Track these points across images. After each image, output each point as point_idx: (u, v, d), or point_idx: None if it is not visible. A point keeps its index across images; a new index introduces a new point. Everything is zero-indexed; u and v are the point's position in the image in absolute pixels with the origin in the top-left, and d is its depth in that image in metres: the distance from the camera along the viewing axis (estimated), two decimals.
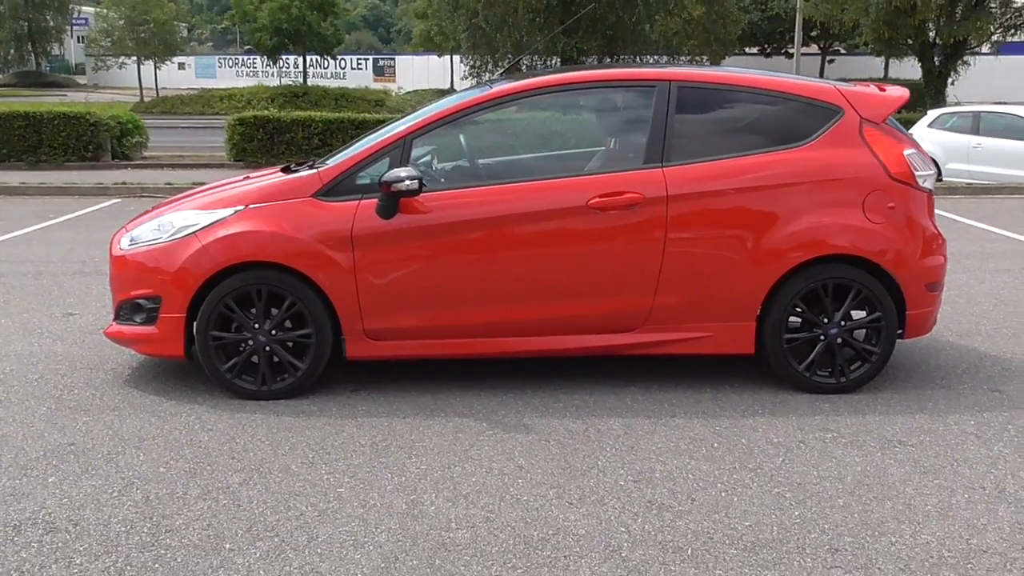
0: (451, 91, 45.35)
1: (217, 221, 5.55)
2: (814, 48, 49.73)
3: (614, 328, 5.63)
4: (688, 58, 27.27)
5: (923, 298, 5.71)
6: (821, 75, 42.32)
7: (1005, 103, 25.38)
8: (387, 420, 5.27)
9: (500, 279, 5.52)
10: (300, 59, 50.26)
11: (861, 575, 3.66)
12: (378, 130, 6.13)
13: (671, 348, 5.68)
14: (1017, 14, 26.06)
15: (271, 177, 5.92)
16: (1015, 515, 4.15)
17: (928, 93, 26.29)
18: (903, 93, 5.86)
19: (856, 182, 5.59)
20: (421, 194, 5.37)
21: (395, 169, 5.40)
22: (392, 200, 5.43)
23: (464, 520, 4.09)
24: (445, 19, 25.98)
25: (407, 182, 5.31)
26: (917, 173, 5.66)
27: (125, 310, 5.79)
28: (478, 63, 25.73)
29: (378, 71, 59.89)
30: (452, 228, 5.48)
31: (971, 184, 17.73)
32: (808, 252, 5.53)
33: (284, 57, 49.82)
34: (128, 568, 3.71)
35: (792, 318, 5.67)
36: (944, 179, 18.52)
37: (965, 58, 26.56)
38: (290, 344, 5.60)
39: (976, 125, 19.29)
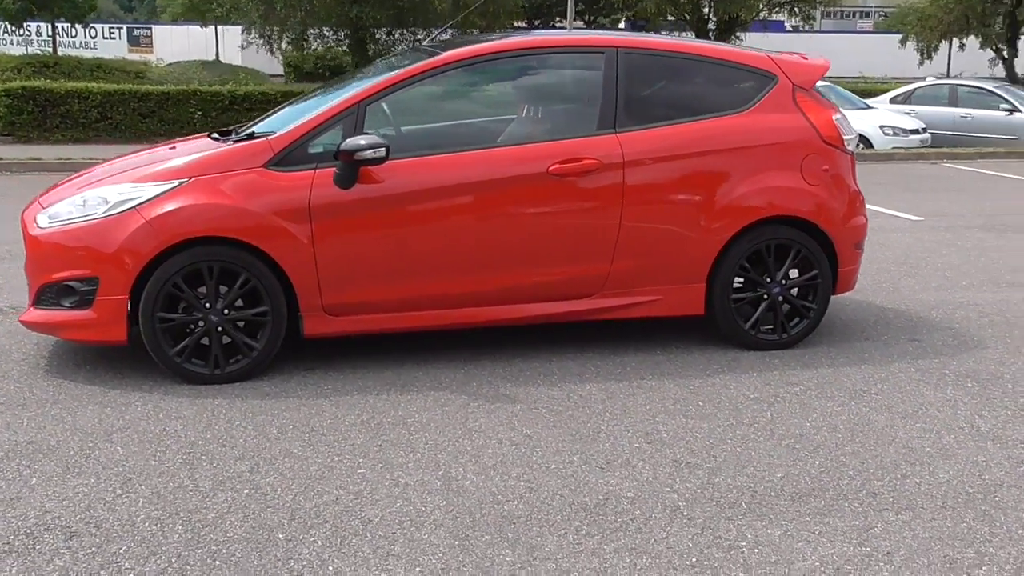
0: (218, 62, 43.77)
1: (161, 194, 5.17)
2: (579, 23, 51.01)
3: (572, 295, 5.65)
4: (478, 30, 27.33)
5: (852, 256, 6.04)
6: None
7: None
8: (362, 398, 5.09)
9: (461, 248, 5.43)
10: (47, 26, 46.90)
11: (911, 515, 3.87)
12: (305, 98, 5.88)
13: (626, 312, 5.76)
14: None
15: (211, 147, 5.55)
16: (1006, 451, 4.49)
17: None
18: (826, 62, 6.15)
19: (794, 146, 5.83)
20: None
21: (356, 136, 5.20)
22: (352, 169, 5.22)
23: (510, 492, 4.03)
24: None
25: (373, 150, 5.12)
26: (845, 137, 5.96)
27: (49, 294, 5.30)
28: (269, 33, 24.82)
29: (133, 41, 56.66)
30: (413, 197, 5.34)
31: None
32: (755, 214, 5.73)
33: (28, 24, 46.32)
34: (189, 568, 3.44)
35: (736, 278, 5.85)
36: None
37: (737, 34, 28.02)
38: (241, 324, 5.30)
39: (955, 98, 20.69)
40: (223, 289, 5.23)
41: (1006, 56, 30.10)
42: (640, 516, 3.84)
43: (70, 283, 5.21)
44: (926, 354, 5.89)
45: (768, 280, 5.84)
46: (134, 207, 5.15)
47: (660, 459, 4.37)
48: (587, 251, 5.57)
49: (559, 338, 6.00)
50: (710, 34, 27.75)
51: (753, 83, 5.88)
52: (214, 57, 46.94)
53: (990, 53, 30.55)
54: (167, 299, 5.17)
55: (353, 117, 5.34)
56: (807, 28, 33.43)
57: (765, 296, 5.86)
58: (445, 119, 5.86)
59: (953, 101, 20.80)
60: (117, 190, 5.25)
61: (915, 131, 18.90)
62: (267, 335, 5.29)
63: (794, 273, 5.96)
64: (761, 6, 27.23)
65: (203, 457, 4.36)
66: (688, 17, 27.75)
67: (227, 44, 48.44)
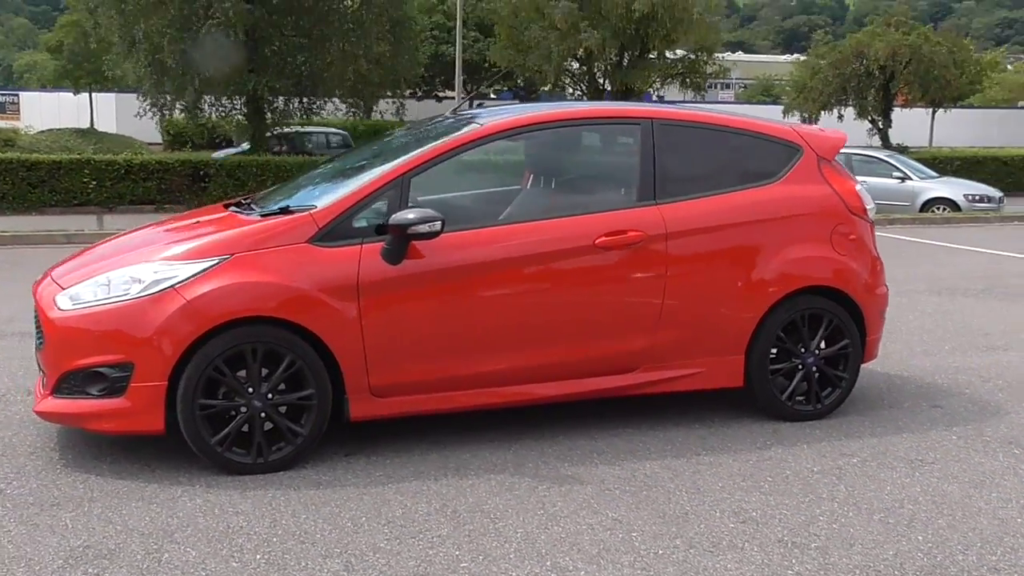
0: (92, 130, 42.43)
1: (200, 272, 4.87)
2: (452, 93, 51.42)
3: (617, 370, 5.53)
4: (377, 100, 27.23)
5: (878, 324, 6.10)
6: None
7: None
8: (421, 484, 4.84)
9: (510, 324, 5.26)
10: None
11: None
12: (319, 171, 5.69)
13: (669, 386, 5.66)
14: (672, 65, 28.57)
15: (246, 221, 5.26)
16: None
17: None
18: (843, 135, 6.25)
19: (823, 216, 5.87)
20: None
21: (407, 210, 5.01)
22: (403, 244, 5.02)
23: None
24: (120, 55, 24.22)
25: (428, 224, 4.94)
26: (867, 206, 6.05)
27: (73, 381, 4.91)
28: (162, 101, 24.22)
29: None
30: (461, 272, 5.16)
31: None
32: (792, 284, 5.73)
33: None
34: None
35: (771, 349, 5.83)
36: None
37: None
38: (282, 409, 5.00)
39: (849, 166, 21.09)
40: (263, 372, 4.92)
41: (880, 126, 31.61)
42: None
43: (99, 369, 4.83)
44: (956, 421, 5.95)
45: (803, 350, 5.83)
46: (172, 286, 4.83)
47: (763, 539, 4.25)
48: (631, 325, 5.47)
49: (586, 414, 5.84)
50: None
51: (781, 154, 5.92)
52: (88, 124, 45.65)
53: (867, 124, 32.03)
54: (207, 384, 4.84)
55: (398, 190, 5.16)
56: (667, 99, 34.45)
57: (800, 366, 5.84)
58: (487, 190, 5.69)
59: (848, 169, 21.55)
60: (151, 268, 4.93)
61: None
62: (312, 420, 5.00)
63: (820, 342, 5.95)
64: (654, 77, 27.94)
65: (286, 557, 4.05)
66: (585, 88, 28.29)
67: (101, 111, 47.18)
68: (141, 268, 4.96)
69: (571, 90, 29.38)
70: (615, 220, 5.43)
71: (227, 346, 4.83)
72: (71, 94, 47.66)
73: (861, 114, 31.55)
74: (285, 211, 5.24)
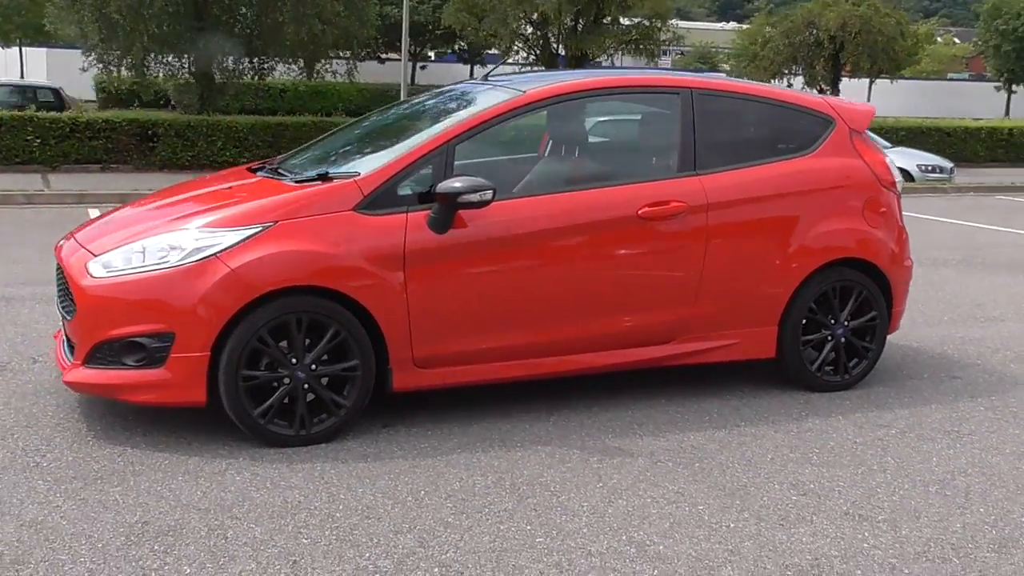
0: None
1: (244, 240, 4.70)
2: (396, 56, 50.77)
3: (656, 340, 5.49)
4: (328, 60, 26.73)
5: (903, 296, 6.13)
6: (412, 81, 43.18)
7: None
8: (471, 456, 4.76)
9: (553, 294, 5.19)
10: None
11: None
12: (342, 134, 5.54)
13: (705, 356, 5.63)
14: (626, 31, 28.50)
15: (287, 187, 5.08)
16: None
17: None
18: (873, 107, 6.23)
19: (856, 188, 5.87)
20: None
21: (456, 178, 4.88)
22: (450, 212, 4.90)
23: (713, 556, 3.82)
24: (64, 9, 23.44)
25: (479, 193, 4.82)
26: (896, 178, 6.05)
27: (107, 351, 4.73)
28: (109, 58, 23.49)
29: None
30: (508, 241, 5.06)
31: None
32: (826, 256, 5.73)
33: None
34: None
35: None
36: None
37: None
38: (324, 381, 4.87)
39: None
40: (306, 343, 4.78)
41: (829, 95, 31.92)
42: (871, 571, 3.69)
43: (138, 339, 4.66)
44: (978, 392, 6.01)
45: (833, 322, 5.83)
46: (215, 254, 4.66)
47: (830, 512, 4.25)
48: (671, 295, 5.43)
49: (614, 385, 5.76)
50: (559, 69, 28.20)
51: (815, 126, 5.89)
52: (20, 76, 44.27)
53: (815, 93, 32.34)
54: (251, 355, 4.69)
55: (442, 157, 5.03)
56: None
57: (829, 338, 5.84)
58: (529, 159, 5.57)
59: None
60: (192, 236, 4.75)
61: None
62: (356, 391, 4.88)
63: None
64: (609, 43, 27.84)
65: (356, 532, 3.95)
66: (539, 53, 28.10)
67: (31, 66, 45.80)
68: (180, 235, 4.78)
69: (524, 55, 29.18)
70: (657, 190, 5.37)
71: (272, 316, 4.69)
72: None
73: (810, 83, 31.83)
74: (324, 177, 5.07)
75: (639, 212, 5.28)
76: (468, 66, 46.33)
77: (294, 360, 4.76)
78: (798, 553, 3.87)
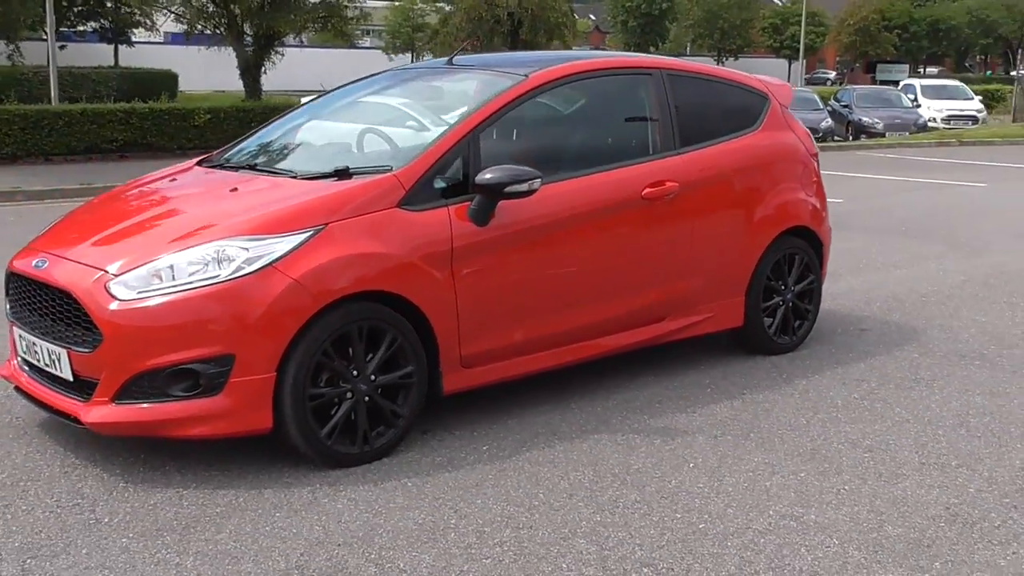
0: None
1: (298, 246, 4.31)
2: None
3: (653, 319, 5.60)
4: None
5: (826, 258, 6.60)
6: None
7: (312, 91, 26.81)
8: (546, 452, 4.66)
9: (581, 279, 5.19)
10: None
11: None
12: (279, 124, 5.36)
13: (689, 331, 5.80)
14: (313, 9, 27.85)
15: (317, 186, 4.67)
16: None
17: (245, 83, 26.97)
18: (790, 85, 6.65)
19: (795, 160, 6.26)
20: None
21: (500, 167, 4.72)
22: (492, 204, 4.75)
23: (864, 518, 4.01)
24: None
25: (528, 183, 4.70)
26: (818, 149, 6.51)
27: (147, 383, 4.19)
28: None
29: None
30: (541, 229, 4.98)
31: None
32: (781, 226, 6.07)
33: None
34: None
35: None
36: None
37: (278, 49, 27.68)
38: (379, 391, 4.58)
39: None
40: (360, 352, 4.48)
41: None
42: (989, 526, 3.98)
43: (190, 366, 4.15)
44: (905, 340, 6.56)
45: (783, 287, 6.19)
46: (270, 264, 4.24)
47: (910, 464, 4.55)
48: (670, 273, 5.57)
49: (588, 369, 5.64)
50: (247, 49, 27.15)
51: (756, 103, 6.20)
52: None
53: None
54: (315, 371, 4.33)
55: (469, 147, 4.84)
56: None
57: (781, 303, 6.20)
58: (537, 144, 5.42)
59: None
60: (239, 244, 4.27)
61: None
62: (412, 399, 4.63)
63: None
64: (300, 21, 27.13)
65: (532, 544, 3.79)
66: (224, 32, 26.88)
67: None
68: (225, 244, 4.28)
69: (208, 31, 27.75)
70: (653, 171, 5.46)
71: (334, 327, 4.34)
72: None
73: None
74: (344, 173, 4.71)
75: (643, 193, 5.34)
76: (112, 45, 42.95)
77: (355, 372, 4.43)
78: (931, 505, 4.13)
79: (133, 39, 40.49)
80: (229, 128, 17.45)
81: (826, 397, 5.47)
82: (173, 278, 4.22)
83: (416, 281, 4.54)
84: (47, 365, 4.49)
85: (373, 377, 4.48)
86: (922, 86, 32.73)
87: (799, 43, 73.07)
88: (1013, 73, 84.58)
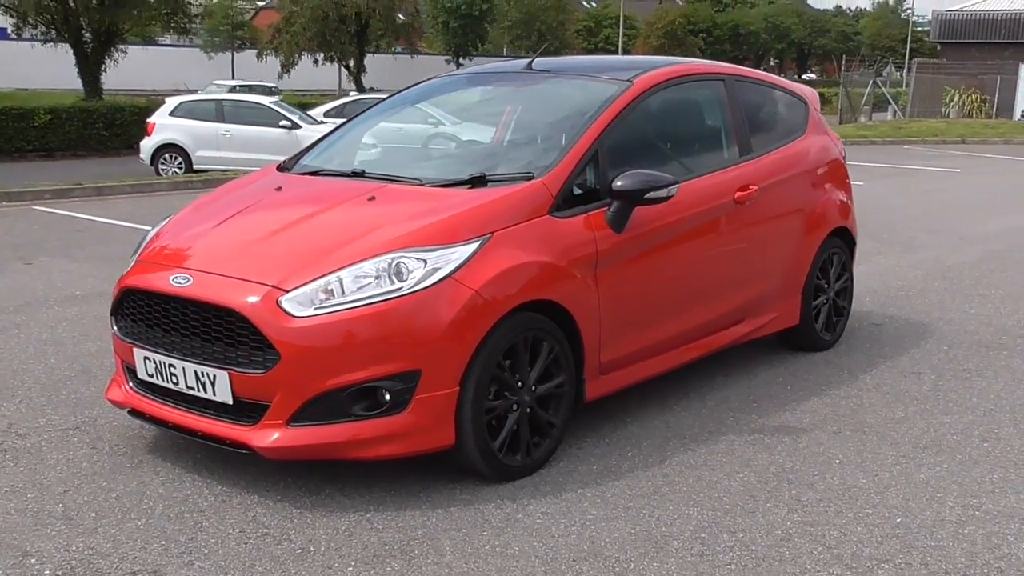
0: None
1: (472, 256, 4.21)
2: None
3: (736, 321, 5.73)
4: None
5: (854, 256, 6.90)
6: None
7: (157, 91, 25.93)
8: (682, 456, 4.70)
9: (692, 282, 5.30)
10: None
11: None
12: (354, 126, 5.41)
13: (759, 332, 5.95)
14: (156, 6, 26.63)
15: (471, 195, 4.54)
16: None
17: (84, 81, 25.62)
18: (814, 91, 6.90)
19: (834, 163, 6.51)
20: None
21: (635, 173, 4.73)
22: (630, 210, 4.77)
23: (1006, 514, 4.23)
24: None
25: (667, 188, 4.75)
26: (846, 152, 6.80)
27: (329, 404, 4.01)
28: None
29: None
30: (663, 231, 5.03)
31: (225, 171, 17.72)
32: (828, 227, 6.31)
33: None
34: None
35: None
36: (195, 167, 18.89)
37: (120, 47, 26.36)
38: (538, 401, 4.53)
39: (221, 113, 19.83)
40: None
41: (354, 71, 32.65)
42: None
43: (375, 384, 4.00)
44: (921, 333, 6.92)
45: (827, 286, 6.43)
46: (449, 275, 4.12)
47: (980, 453, 4.79)
48: (753, 275, 5.71)
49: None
50: (86, 47, 25.84)
51: (800, 109, 6.41)
52: None
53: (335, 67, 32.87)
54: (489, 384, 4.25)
55: (596, 155, 4.84)
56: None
57: (826, 300, 6.44)
58: (646, 149, 5.40)
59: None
60: (415, 255, 4.13)
61: None
62: (563, 408, 4.59)
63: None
64: (144, 17, 26.01)
65: (756, 548, 3.82)
66: (58, 29, 25.43)
67: None
68: (396, 256, 4.13)
69: (44, 29, 26.14)
70: (738, 175, 5.58)
71: (508, 338, 4.26)
72: None
73: (340, 59, 32.24)
74: (480, 180, 4.63)
75: (735, 197, 5.46)
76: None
77: (519, 383, 4.36)
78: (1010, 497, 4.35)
79: None
80: (72, 129, 16.49)
81: (899, 390, 5.71)
82: (344, 292, 4.04)
83: (570, 289, 4.51)
84: (189, 388, 4.21)
85: (534, 388, 4.41)
86: None
87: (613, 45, 75.12)
88: (805, 77, 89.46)
